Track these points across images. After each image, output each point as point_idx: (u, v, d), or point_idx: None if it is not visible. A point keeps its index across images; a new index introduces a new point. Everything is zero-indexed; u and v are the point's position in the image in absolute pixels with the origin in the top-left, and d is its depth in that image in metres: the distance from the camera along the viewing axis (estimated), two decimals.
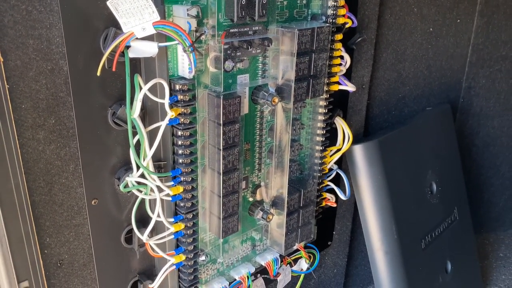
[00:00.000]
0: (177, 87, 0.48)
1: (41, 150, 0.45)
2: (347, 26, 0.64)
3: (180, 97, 0.48)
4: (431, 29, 0.93)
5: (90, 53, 0.44)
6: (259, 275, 0.68)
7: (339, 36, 0.63)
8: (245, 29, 0.51)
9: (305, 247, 0.73)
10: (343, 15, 0.62)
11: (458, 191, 1.01)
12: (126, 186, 0.50)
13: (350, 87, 0.67)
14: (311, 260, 0.75)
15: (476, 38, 1.05)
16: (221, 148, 0.52)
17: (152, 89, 0.47)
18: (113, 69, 0.43)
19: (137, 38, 0.43)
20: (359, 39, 0.70)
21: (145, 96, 0.47)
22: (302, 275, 0.76)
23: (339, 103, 0.72)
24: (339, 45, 0.63)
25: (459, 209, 0.99)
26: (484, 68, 1.10)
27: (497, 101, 1.15)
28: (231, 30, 0.50)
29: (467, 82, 1.09)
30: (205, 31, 0.48)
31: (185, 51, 0.45)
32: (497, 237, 1.28)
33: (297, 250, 0.72)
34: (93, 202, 0.50)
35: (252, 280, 0.66)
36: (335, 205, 0.75)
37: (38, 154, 0.45)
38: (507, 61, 1.12)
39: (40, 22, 0.41)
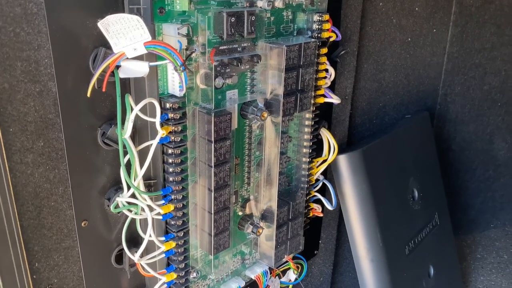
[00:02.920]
0: (168, 105, 0.48)
1: (30, 174, 0.43)
2: (331, 39, 0.65)
3: (170, 115, 0.48)
4: (409, 39, 0.95)
5: (79, 73, 0.43)
6: None
7: (324, 50, 0.64)
8: (234, 46, 0.52)
9: (293, 258, 0.74)
10: (328, 29, 0.63)
11: (438, 196, 1.04)
12: (116, 206, 0.49)
13: (335, 100, 0.68)
14: (299, 271, 0.75)
15: (451, 47, 1.08)
16: (213, 165, 0.52)
17: (142, 108, 0.46)
18: (103, 90, 0.43)
19: (127, 58, 0.43)
20: (343, 52, 0.72)
21: (136, 115, 0.46)
22: (290, 286, 0.77)
23: (324, 115, 0.73)
24: (324, 59, 0.64)
25: (440, 214, 1.02)
26: (459, 75, 1.13)
27: (472, 107, 1.18)
28: (221, 47, 0.50)
29: (443, 90, 1.12)
30: (195, 49, 0.48)
31: (176, 70, 0.45)
32: (474, 239, 1.32)
33: (286, 261, 0.72)
34: (83, 224, 0.49)
35: None
36: (321, 215, 0.76)
37: (27, 177, 0.43)
38: (480, 69, 1.15)
39: (28, 43, 0.40)
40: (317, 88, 0.65)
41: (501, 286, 1.15)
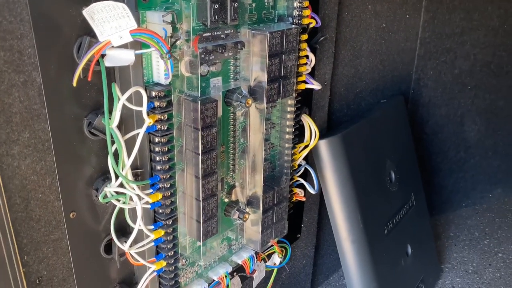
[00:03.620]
0: (153, 93, 0.48)
1: (16, 166, 0.43)
2: (311, 26, 0.66)
3: (156, 103, 0.48)
4: (384, 25, 0.97)
5: (63, 63, 0.43)
6: (235, 273, 0.69)
7: (305, 36, 0.64)
8: (218, 33, 0.52)
9: (278, 242, 0.75)
10: (307, 16, 0.64)
11: (413, 178, 1.07)
12: (105, 196, 0.49)
13: (316, 86, 0.69)
14: (283, 254, 0.77)
15: (423, 32, 1.11)
16: (200, 152, 0.52)
17: (128, 97, 0.46)
18: (89, 79, 0.42)
19: (113, 47, 0.43)
20: (322, 38, 0.73)
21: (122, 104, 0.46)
22: (275, 269, 0.78)
23: (305, 101, 0.74)
24: (304, 45, 0.65)
25: (416, 195, 1.05)
26: (431, 60, 1.16)
27: (444, 91, 1.22)
28: (204, 34, 0.50)
29: (416, 74, 1.15)
30: (180, 37, 0.48)
31: (162, 58, 0.44)
32: (447, 218, 1.37)
33: (271, 245, 0.73)
34: (71, 215, 0.48)
35: (230, 279, 0.67)
36: (304, 199, 0.78)
37: (13, 170, 0.43)
38: (451, 53, 1.19)
39: (10, 33, 0.39)
40: (299, 74, 0.66)
41: (473, 261, 1.20)
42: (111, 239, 0.52)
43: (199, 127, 0.51)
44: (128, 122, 0.49)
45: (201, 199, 0.54)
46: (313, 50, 0.72)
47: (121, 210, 0.51)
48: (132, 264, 0.56)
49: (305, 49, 0.65)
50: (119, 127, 0.49)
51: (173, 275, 0.58)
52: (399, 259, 0.96)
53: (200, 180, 0.53)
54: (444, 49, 1.17)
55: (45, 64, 0.42)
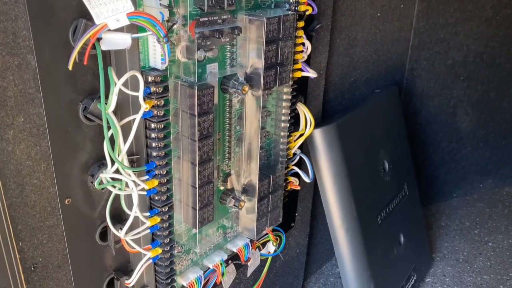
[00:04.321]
0: (150, 78, 0.47)
1: (11, 151, 0.42)
2: (307, 13, 0.65)
3: (153, 89, 0.47)
4: (378, 14, 0.97)
5: (58, 46, 0.42)
6: (230, 261, 0.69)
7: (301, 23, 0.64)
8: (215, 18, 0.51)
9: (272, 230, 0.75)
10: (304, 2, 0.64)
11: (406, 168, 1.08)
12: (100, 183, 0.48)
13: (312, 73, 0.69)
14: (278, 242, 0.77)
15: (418, 22, 1.11)
16: (196, 139, 0.52)
17: (124, 82, 0.46)
18: (85, 63, 0.42)
19: (109, 30, 0.42)
20: (318, 26, 0.72)
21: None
22: (270, 258, 0.78)
23: (300, 89, 0.74)
24: (301, 33, 0.65)
25: (408, 185, 1.06)
26: (425, 50, 1.16)
27: (437, 81, 1.23)
28: (201, 19, 0.50)
29: (410, 64, 1.15)
30: (176, 21, 0.47)
31: (159, 42, 0.44)
32: (438, 208, 1.39)
33: (265, 234, 0.73)
34: (66, 202, 0.48)
35: (225, 267, 0.67)
36: (299, 188, 0.78)
37: (8, 155, 0.42)
38: (445, 44, 1.19)
39: (4, 14, 0.38)
40: (295, 62, 0.66)
41: (464, 250, 1.21)
42: (107, 226, 0.52)
43: (196, 113, 0.50)
44: (124, 107, 0.48)
45: (197, 186, 0.54)
46: (309, 38, 0.71)
47: (117, 197, 0.51)
48: (127, 252, 0.56)
49: (301, 36, 0.65)
50: (115, 112, 0.48)
51: (168, 262, 0.57)
52: (392, 248, 0.97)
53: (197, 167, 0.53)
54: (438, 39, 1.17)
55: (40, 47, 0.41)
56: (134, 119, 0.47)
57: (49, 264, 0.49)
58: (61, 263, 0.50)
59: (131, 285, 0.56)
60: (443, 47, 1.19)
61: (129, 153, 0.51)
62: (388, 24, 1.01)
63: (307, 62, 0.72)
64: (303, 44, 0.67)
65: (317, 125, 0.82)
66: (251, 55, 0.57)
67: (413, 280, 1.03)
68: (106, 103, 0.44)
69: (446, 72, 1.23)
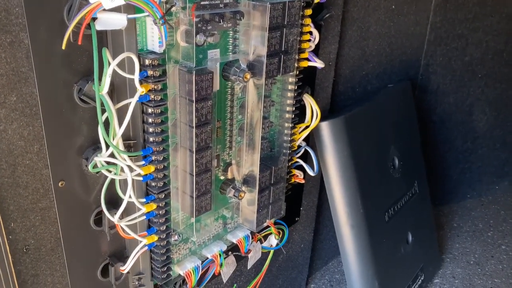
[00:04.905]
0: (147, 62, 0.46)
1: (2, 130, 0.42)
2: (316, 1, 0.64)
3: (150, 72, 0.47)
4: (393, 6, 0.94)
5: (53, 25, 0.41)
6: (230, 252, 0.68)
7: (309, 11, 0.62)
8: (216, 2, 0.50)
9: (275, 223, 0.74)
10: None
11: (417, 166, 1.05)
12: (95, 166, 0.48)
13: (319, 64, 0.67)
14: (280, 236, 0.76)
15: (435, 16, 1.08)
16: (194, 125, 0.51)
17: (120, 64, 0.45)
18: (79, 43, 0.41)
19: (104, 10, 0.41)
20: (327, 15, 0.70)
21: (113, 71, 0.45)
22: (272, 251, 0.77)
23: (307, 80, 0.72)
24: (308, 21, 0.63)
25: (419, 183, 1.03)
26: (441, 46, 1.13)
27: (453, 78, 1.19)
28: (202, 2, 0.48)
29: (425, 60, 1.12)
30: (175, 3, 0.46)
31: (155, 23, 0.43)
32: (450, 208, 1.35)
33: (267, 226, 0.72)
34: (59, 184, 0.47)
35: (224, 258, 0.66)
36: (303, 181, 0.76)
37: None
38: (463, 39, 1.16)
39: None
40: (301, 51, 0.64)
41: (475, 252, 1.18)
42: (102, 211, 0.51)
43: (194, 99, 0.49)
44: (120, 90, 0.48)
45: (194, 174, 0.53)
46: (318, 27, 0.70)
47: (113, 182, 0.50)
48: (123, 238, 0.56)
49: (308, 24, 0.63)
50: (111, 95, 0.48)
51: (165, 250, 0.57)
52: (399, 246, 0.95)
53: (194, 154, 0.52)
54: (456, 35, 1.14)
55: (34, 25, 0.40)
56: (130, 103, 0.46)
57: (41, 247, 0.49)
58: (54, 246, 0.50)
59: (125, 271, 0.55)
60: (461, 43, 1.16)
61: (126, 138, 0.50)
62: (403, 17, 0.99)
63: (315, 52, 0.70)
64: (310, 33, 0.65)
65: (324, 118, 0.80)
66: (254, 42, 0.56)
67: (420, 280, 1.01)
68: (100, 85, 0.43)
69: (463, 69, 1.19)
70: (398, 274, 0.94)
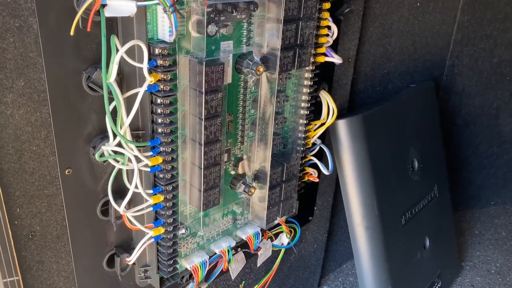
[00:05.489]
0: (157, 51, 0.45)
1: (10, 115, 0.42)
2: None
3: (160, 62, 0.46)
4: (418, 4, 0.91)
5: (62, 10, 0.41)
6: (239, 249, 0.67)
7: (327, 5, 0.61)
8: None
9: (286, 221, 0.73)
10: None
11: (438, 169, 1.02)
12: (102, 155, 0.47)
13: (336, 59, 0.66)
14: (292, 235, 0.74)
15: (462, 15, 1.04)
16: (203, 118, 0.50)
17: (130, 53, 0.44)
18: (88, 29, 0.40)
19: None
20: (347, 10, 0.68)
21: (123, 60, 0.44)
22: (283, 250, 0.76)
23: (324, 76, 0.70)
24: (326, 15, 0.61)
25: (439, 187, 1.00)
26: (468, 46, 1.09)
27: (479, 80, 1.15)
28: None
29: (450, 60, 1.09)
30: None
31: (165, 11, 0.42)
32: (473, 215, 1.31)
33: (278, 224, 0.71)
34: (66, 172, 0.47)
35: (233, 254, 0.65)
36: (317, 180, 0.74)
37: (6, 118, 0.42)
38: (491, 40, 1.11)
39: None
40: (318, 45, 0.62)
41: (497, 261, 1.14)
42: (109, 201, 0.51)
43: (203, 91, 0.48)
44: (130, 79, 0.47)
45: (202, 167, 0.52)
46: (337, 22, 0.68)
47: (121, 172, 0.50)
48: (130, 229, 0.55)
49: (327, 18, 0.61)
50: (120, 84, 0.47)
51: (171, 243, 0.56)
52: (415, 251, 0.92)
53: (203, 147, 0.51)
54: (484, 35, 1.10)
55: (43, 10, 0.40)
56: (138, 92, 0.46)
57: (47, 234, 0.49)
58: (60, 234, 0.50)
59: (131, 262, 0.55)
60: (489, 44, 1.11)
61: (135, 128, 0.49)
62: (428, 16, 0.96)
63: (334, 47, 0.68)
64: (328, 27, 0.63)
65: (342, 116, 0.78)
66: (268, 35, 0.54)
67: (437, 287, 0.98)
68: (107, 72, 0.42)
69: (491, 71, 1.15)
70: (413, 280, 0.91)
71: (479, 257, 1.15)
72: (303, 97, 0.64)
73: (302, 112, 0.65)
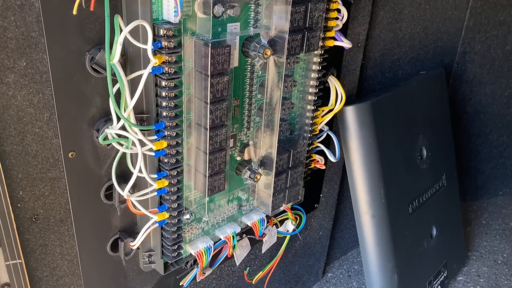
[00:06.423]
0: (162, 32, 0.44)
1: (11, 96, 0.41)
2: None
3: (164, 43, 0.45)
4: None
5: None
6: (244, 235, 0.67)
7: None
8: None
9: (292, 208, 0.72)
10: None
11: (447, 158, 1.00)
12: (105, 138, 0.47)
13: (346, 44, 0.64)
14: (297, 222, 0.74)
15: (475, 1, 1.01)
16: (209, 101, 0.49)
17: (135, 34, 0.43)
18: (91, 9, 0.39)
19: None
20: None
21: (127, 41, 0.43)
22: (288, 237, 0.75)
23: (333, 61, 0.69)
24: None
25: (447, 176, 0.99)
26: (480, 33, 1.07)
27: (491, 68, 1.13)
28: None
29: (462, 47, 1.06)
30: None
31: None
32: (480, 204, 1.30)
33: (284, 211, 0.70)
34: (70, 155, 0.46)
35: (238, 240, 0.65)
36: (324, 167, 0.73)
37: (8, 99, 0.41)
38: (504, 27, 1.09)
39: None
40: (327, 29, 0.61)
41: (504, 252, 1.13)
42: (113, 185, 0.51)
43: (209, 74, 0.47)
44: (134, 61, 0.46)
45: (208, 152, 0.51)
46: (347, 5, 0.66)
47: (125, 156, 0.49)
48: (134, 214, 0.55)
49: (336, 1, 0.60)
50: (124, 66, 0.46)
51: (176, 228, 0.56)
52: (421, 240, 0.91)
53: (208, 132, 0.50)
54: (497, 21, 1.07)
55: None
56: (142, 74, 0.45)
57: (50, 217, 0.48)
58: (63, 217, 0.49)
59: (135, 247, 0.54)
60: (502, 31, 1.09)
61: (139, 112, 0.49)
62: (440, 1, 0.93)
63: (343, 31, 0.67)
64: (338, 10, 0.61)
65: (350, 102, 0.77)
66: (276, 17, 0.53)
67: (442, 277, 0.97)
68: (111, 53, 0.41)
69: (503, 59, 1.12)
70: (419, 269, 0.91)
71: (486, 247, 1.14)
72: (311, 82, 0.62)
73: (310, 97, 0.63)
